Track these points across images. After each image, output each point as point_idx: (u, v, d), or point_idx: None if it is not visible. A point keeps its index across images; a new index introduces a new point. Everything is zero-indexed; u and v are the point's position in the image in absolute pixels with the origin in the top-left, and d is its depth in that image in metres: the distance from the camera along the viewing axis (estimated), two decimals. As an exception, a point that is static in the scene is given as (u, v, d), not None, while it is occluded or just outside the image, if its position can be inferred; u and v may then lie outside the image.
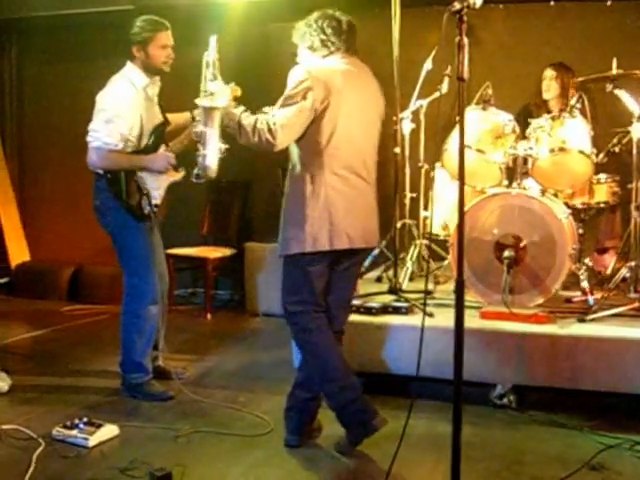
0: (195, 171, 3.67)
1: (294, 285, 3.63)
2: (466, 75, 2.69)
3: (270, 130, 3.38)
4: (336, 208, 3.48)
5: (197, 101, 3.57)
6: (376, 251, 5.53)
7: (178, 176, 4.54)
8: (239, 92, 4.57)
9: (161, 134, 4.48)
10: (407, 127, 5.18)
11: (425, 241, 5.58)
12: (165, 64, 4.37)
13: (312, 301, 3.60)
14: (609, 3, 5.80)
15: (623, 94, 4.65)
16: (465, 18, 2.70)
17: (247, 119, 3.46)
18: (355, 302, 4.47)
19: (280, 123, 3.39)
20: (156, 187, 4.42)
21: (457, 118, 2.77)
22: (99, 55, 6.72)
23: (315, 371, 3.68)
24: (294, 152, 3.57)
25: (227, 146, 3.59)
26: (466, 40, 2.69)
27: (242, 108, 3.53)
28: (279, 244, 3.60)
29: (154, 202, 4.40)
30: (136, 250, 4.40)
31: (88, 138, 4.26)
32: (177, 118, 4.69)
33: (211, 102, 3.53)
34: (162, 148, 4.47)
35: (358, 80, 3.59)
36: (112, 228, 4.41)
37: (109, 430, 3.83)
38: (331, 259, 3.58)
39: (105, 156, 4.23)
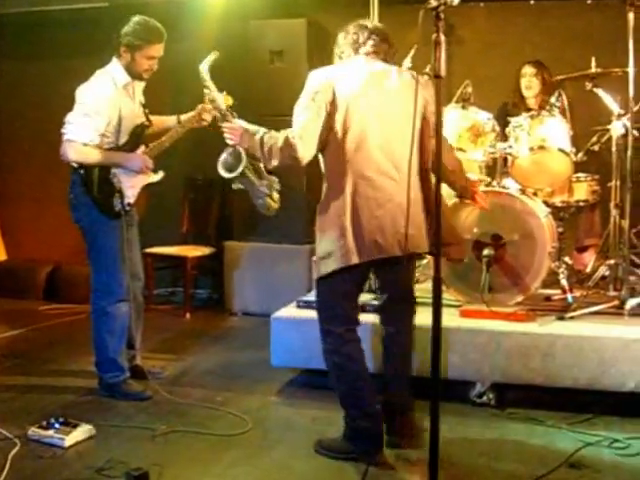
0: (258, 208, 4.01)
1: (326, 303, 3.56)
2: (443, 73, 2.67)
3: (290, 145, 3.28)
4: (360, 217, 3.34)
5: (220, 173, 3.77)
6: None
7: (155, 177, 4.52)
8: (231, 101, 4.58)
9: (141, 134, 4.46)
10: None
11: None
12: (146, 72, 4.35)
13: (344, 315, 3.52)
14: (589, 2, 5.81)
15: (602, 92, 4.66)
16: (442, 15, 2.68)
17: (267, 142, 3.37)
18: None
19: (298, 134, 3.29)
20: (130, 186, 4.39)
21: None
22: (75, 52, 6.67)
23: (338, 391, 3.60)
24: (321, 162, 3.49)
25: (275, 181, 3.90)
26: (443, 37, 2.67)
27: (262, 132, 3.43)
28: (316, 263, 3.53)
29: (127, 201, 4.37)
30: (106, 247, 4.36)
31: (63, 130, 4.22)
32: (163, 121, 4.69)
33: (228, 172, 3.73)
34: (141, 148, 4.44)
35: (380, 81, 3.44)
36: (83, 223, 4.37)
37: (85, 430, 3.79)
38: (360, 273, 3.49)
39: (78, 149, 4.19)
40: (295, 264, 6.10)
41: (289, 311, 4.73)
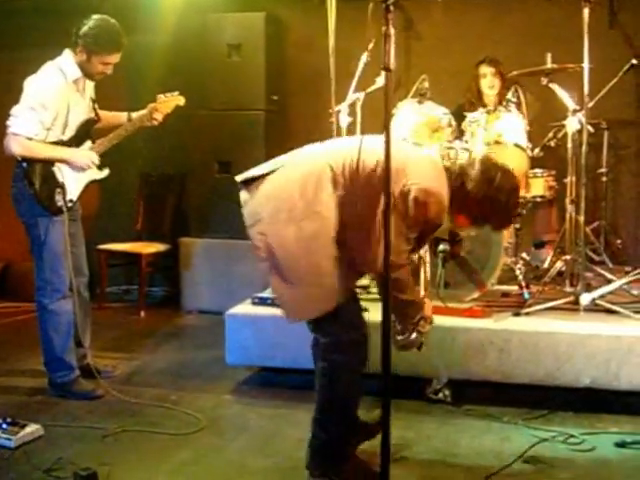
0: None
1: None
2: (392, 65, 2.64)
3: None
4: None
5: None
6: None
7: (100, 175, 4.47)
8: (182, 102, 4.53)
9: (88, 129, 4.40)
10: (344, 120, 5.11)
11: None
12: (99, 75, 4.30)
13: None
14: (547, -3, 5.84)
15: (557, 88, 4.66)
16: (392, 8, 2.65)
17: None
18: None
19: None
20: (73, 182, 4.32)
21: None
22: (31, 43, 6.50)
23: None
24: None
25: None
26: (392, 30, 2.64)
27: None
28: None
29: (69, 197, 4.29)
30: (48, 243, 4.26)
31: (7, 122, 4.13)
32: (114, 117, 4.62)
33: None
34: (88, 143, 4.38)
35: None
36: (27, 218, 4.27)
37: (33, 430, 3.72)
38: None
39: (22, 143, 4.11)
40: (252, 261, 5.99)
41: (244, 308, 4.67)
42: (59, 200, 4.23)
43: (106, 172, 4.46)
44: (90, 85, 4.40)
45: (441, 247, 4.43)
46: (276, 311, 4.46)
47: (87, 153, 4.33)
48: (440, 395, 4.16)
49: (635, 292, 4.61)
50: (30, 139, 4.11)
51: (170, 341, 5.62)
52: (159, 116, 4.51)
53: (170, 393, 4.39)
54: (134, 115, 4.57)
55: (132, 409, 4.13)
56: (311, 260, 3.03)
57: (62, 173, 4.25)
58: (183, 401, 4.27)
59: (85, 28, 4.16)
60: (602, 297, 4.41)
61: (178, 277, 6.53)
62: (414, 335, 3.21)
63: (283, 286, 3.09)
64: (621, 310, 4.33)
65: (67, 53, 4.23)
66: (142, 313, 6.35)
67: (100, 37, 4.17)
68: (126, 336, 5.73)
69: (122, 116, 4.62)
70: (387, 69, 2.65)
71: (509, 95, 4.78)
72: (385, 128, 2.70)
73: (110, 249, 6.40)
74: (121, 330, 5.88)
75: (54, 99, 4.15)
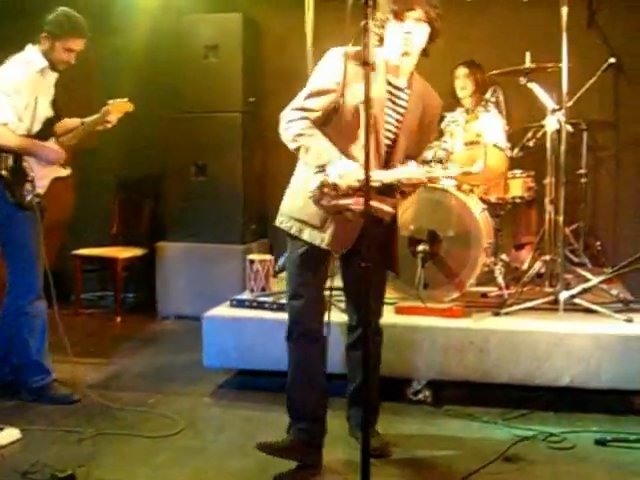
0: None
1: None
2: (372, 60, 2.64)
3: None
4: None
5: None
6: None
7: (64, 172, 4.42)
8: (131, 108, 4.50)
9: (52, 126, 4.34)
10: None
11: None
12: (62, 64, 4.24)
13: None
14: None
15: (536, 87, 4.66)
16: (371, 2, 2.65)
17: None
18: (265, 298, 4.54)
19: None
20: (41, 177, 4.24)
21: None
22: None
23: None
24: None
25: None
26: (371, 24, 2.64)
27: None
28: None
29: (37, 192, 4.20)
30: (22, 241, 4.18)
31: None
32: (66, 122, 4.52)
33: None
34: (52, 140, 4.32)
35: None
36: None
37: (9, 434, 3.68)
38: None
39: None
40: (230, 264, 5.98)
41: (222, 310, 4.62)
42: (27, 194, 4.14)
43: (68, 170, 4.40)
44: (53, 79, 4.32)
45: (420, 247, 4.45)
46: (255, 313, 4.48)
47: (56, 149, 4.26)
48: (420, 396, 4.16)
49: (614, 292, 4.62)
50: (5, 125, 4.03)
51: (147, 346, 5.56)
52: (113, 118, 4.44)
53: (148, 397, 4.35)
54: (87, 120, 4.51)
55: (110, 412, 4.08)
56: None
57: (30, 166, 4.16)
58: (161, 404, 4.23)
59: (50, 17, 4.16)
60: (581, 294, 4.42)
61: (154, 282, 6.44)
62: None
63: None
64: (600, 309, 4.33)
65: (30, 47, 4.19)
66: (118, 319, 6.26)
67: (63, 22, 4.15)
68: (102, 342, 5.64)
69: (76, 121, 4.55)
70: (366, 63, 2.65)
71: (488, 95, 4.77)
72: (366, 124, 2.69)
73: (85, 254, 6.32)
74: (97, 336, 5.80)
75: (26, 85, 4.09)
